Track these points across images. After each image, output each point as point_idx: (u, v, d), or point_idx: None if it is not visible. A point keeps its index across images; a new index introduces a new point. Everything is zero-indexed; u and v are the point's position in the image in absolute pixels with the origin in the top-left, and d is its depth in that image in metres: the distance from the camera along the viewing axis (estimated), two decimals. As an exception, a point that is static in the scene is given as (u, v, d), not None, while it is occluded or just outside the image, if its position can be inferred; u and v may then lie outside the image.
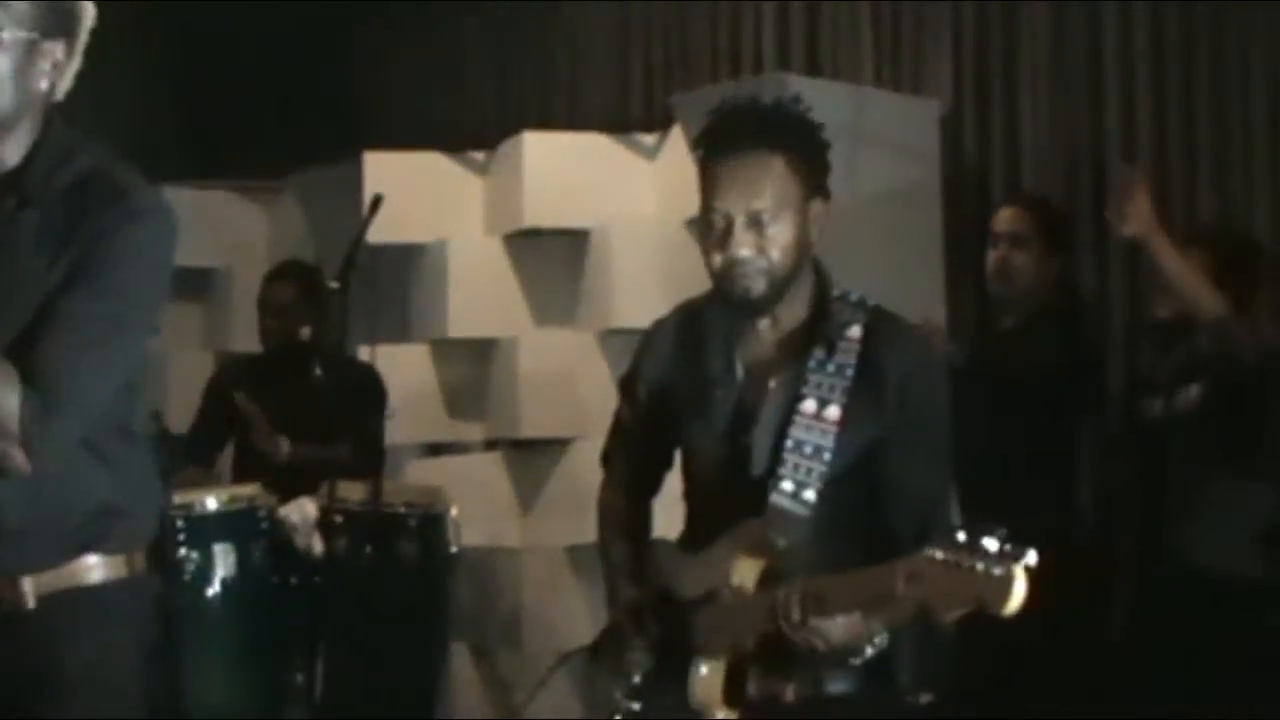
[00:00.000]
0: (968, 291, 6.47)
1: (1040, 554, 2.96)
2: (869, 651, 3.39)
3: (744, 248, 3.50)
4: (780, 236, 3.50)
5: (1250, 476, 5.19)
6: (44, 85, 3.23)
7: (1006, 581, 2.92)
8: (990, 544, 2.96)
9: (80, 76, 3.31)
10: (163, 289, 3.31)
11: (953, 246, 6.57)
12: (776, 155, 3.51)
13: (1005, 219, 5.84)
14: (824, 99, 6.03)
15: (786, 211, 3.50)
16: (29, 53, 3.19)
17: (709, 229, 3.55)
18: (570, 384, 7.03)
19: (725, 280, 3.54)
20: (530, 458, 7.40)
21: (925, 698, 5.72)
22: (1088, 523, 5.67)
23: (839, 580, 3.30)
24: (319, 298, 6.70)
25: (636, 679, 3.66)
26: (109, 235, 3.16)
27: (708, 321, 3.68)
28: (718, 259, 3.54)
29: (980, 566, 2.95)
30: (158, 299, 3.31)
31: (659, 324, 3.84)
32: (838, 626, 3.31)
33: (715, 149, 3.57)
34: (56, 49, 3.22)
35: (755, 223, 3.49)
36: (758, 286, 3.52)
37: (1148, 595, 5.51)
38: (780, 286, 3.54)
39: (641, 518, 3.89)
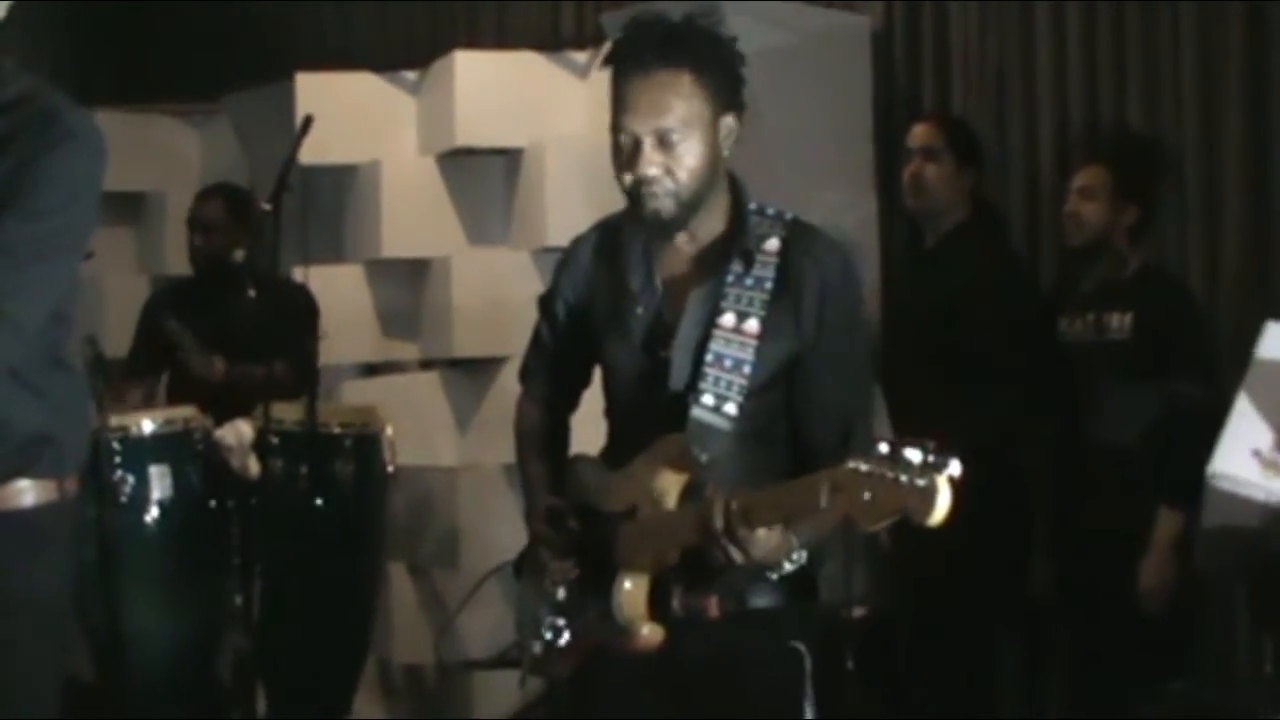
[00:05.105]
0: (901, 209, 6.50)
1: (964, 469, 2.98)
2: (787, 567, 3.41)
3: (651, 167, 3.51)
4: (688, 156, 3.50)
5: (1163, 394, 5.31)
6: (-29, 13, 3.24)
7: (930, 492, 2.92)
8: (913, 455, 2.95)
9: (12, 3, 3.31)
10: (93, 210, 3.32)
11: (885, 163, 6.59)
12: (683, 72, 3.50)
13: (918, 134, 5.97)
14: (755, 13, 6.11)
15: (694, 130, 3.50)
16: None
17: (618, 149, 3.56)
18: (504, 303, 7.02)
19: (635, 200, 3.55)
20: (465, 377, 7.40)
21: (859, 611, 5.82)
22: (1009, 438, 5.72)
23: (763, 493, 3.32)
24: (248, 218, 6.70)
25: (561, 595, 3.68)
26: (40, 158, 3.18)
27: (626, 238, 3.68)
28: (627, 178, 3.54)
29: (904, 478, 2.95)
30: (88, 220, 3.32)
31: (578, 241, 3.85)
32: (759, 540, 3.33)
33: (624, 67, 3.56)
34: None
35: (663, 142, 3.50)
36: (666, 206, 3.53)
37: (1067, 496, 5.61)
38: (690, 205, 3.54)
39: (559, 434, 3.90)
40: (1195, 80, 5.85)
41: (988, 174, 6.10)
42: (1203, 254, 5.82)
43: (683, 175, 3.51)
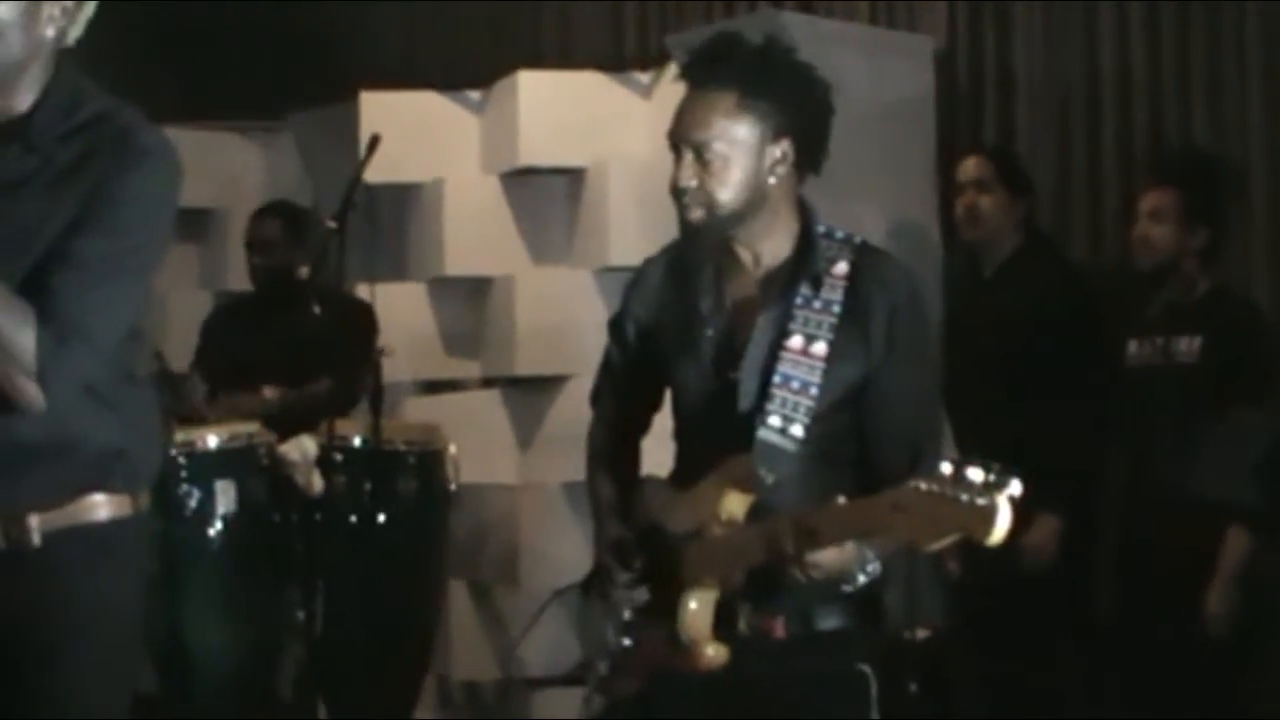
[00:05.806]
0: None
1: (1028, 492, 2.99)
2: (861, 579, 3.43)
3: (685, 178, 3.57)
4: (724, 172, 3.55)
5: (1239, 421, 5.28)
6: (51, 32, 3.27)
7: (990, 511, 2.94)
8: (975, 475, 2.97)
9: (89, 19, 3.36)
10: (167, 228, 3.36)
11: (947, 189, 6.59)
12: (730, 93, 3.54)
13: (968, 168, 6.08)
14: (817, 36, 6.12)
15: (733, 148, 3.54)
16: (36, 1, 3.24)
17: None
18: (566, 322, 7.05)
19: (676, 207, 3.62)
20: (527, 395, 7.42)
21: (922, 633, 5.81)
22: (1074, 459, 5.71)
23: (827, 512, 3.33)
24: (306, 235, 6.75)
25: (627, 615, 3.69)
26: (116, 176, 3.22)
27: (696, 260, 3.71)
28: (671, 185, 3.60)
29: (964, 497, 2.97)
30: (163, 238, 3.36)
31: (648, 263, 3.87)
32: (830, 555, 3.35)
33: (688, 83, 3.63)
34: None
35: (699, 156, 3.55)
36: (699, 217, 3.58)
37: (1137, 527, 5.59)
38: (727, 220, 3.58)
39: (630, 456, 3.92)
40: (1261, 94, 5.86)
41: (1051, 193, 6.13)
42: (1270, 272, 5.82)
43: (718, 192, 3.56)
